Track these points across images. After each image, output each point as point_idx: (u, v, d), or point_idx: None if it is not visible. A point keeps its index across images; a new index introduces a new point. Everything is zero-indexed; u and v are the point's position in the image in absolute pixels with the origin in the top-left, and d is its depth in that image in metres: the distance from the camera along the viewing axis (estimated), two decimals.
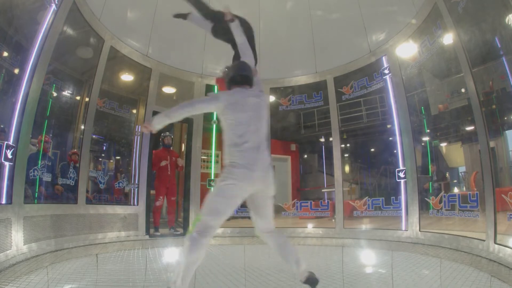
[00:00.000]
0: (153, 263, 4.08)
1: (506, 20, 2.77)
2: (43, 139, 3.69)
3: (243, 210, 5.17)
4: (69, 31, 3.75)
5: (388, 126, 4.55)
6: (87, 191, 4.11)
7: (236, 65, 2.45)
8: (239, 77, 2.34)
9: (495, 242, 2.79)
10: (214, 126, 5.39)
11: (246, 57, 2.63)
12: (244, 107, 2.21)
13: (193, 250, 1.96)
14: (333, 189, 4.85)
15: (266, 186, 2.18)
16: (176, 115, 2.25)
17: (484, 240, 2.92)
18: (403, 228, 4.01)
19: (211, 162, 5.46)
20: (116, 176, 4.84)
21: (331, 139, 5.06)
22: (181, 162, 5.06)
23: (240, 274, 4.08)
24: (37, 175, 3.46)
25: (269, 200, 2.25)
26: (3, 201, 2.76)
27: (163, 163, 4.88)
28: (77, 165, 3.91)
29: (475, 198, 3.26)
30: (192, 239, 1.98)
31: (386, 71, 4.42)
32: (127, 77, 5.02)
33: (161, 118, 2.25)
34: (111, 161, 4.98)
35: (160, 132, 5.23)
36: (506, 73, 2.98)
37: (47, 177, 3.61)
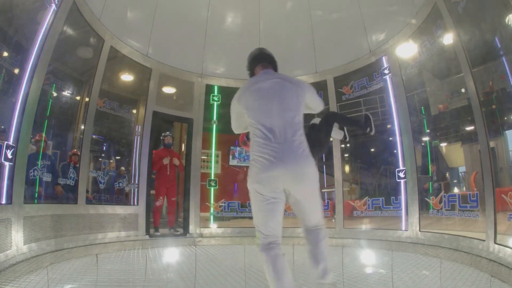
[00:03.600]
0: (153, 263, 4.08)
1: (506, 20, 2.76)
2: (43, 139, 3.68)
3: (243, 210, 5.18)
4: (69, 31, 3.74)
5: (388, 126, 4.54)
6: (87, 191, 4.11)
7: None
8: (261, 55, 2.08)
9: (495, 242, 2.78)
10: (214, 126, 5.39)
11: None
12: (260, 92, 1.84)
13: (267, 267, 1.71)
14: (333, 189, 4.85)
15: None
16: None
17: (484, 240, 2.92)
18: (403, 228, 4.01)
19: (211, 162, 5.46)
20: (120, 171, 4.86)
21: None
22: (176, 162, 5.03)
23: (240, 274, 4.08)
24: (37, 175, 3.46)
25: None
26: (3, 201, 2.76)
27: (165, 161, 4.87)
28: (77, 165, 3.91)
29: (475, 198, 3.26)
30: (260, 255, 1.75)
31: (386, 71, 4.42)
32: (127, 77, 5.02)
33: None
34: (111, 161, 4.98)
35: (160, 132, 5.26)
36: (506, 73, 2.97)
37: (47, 177, 3.60)
